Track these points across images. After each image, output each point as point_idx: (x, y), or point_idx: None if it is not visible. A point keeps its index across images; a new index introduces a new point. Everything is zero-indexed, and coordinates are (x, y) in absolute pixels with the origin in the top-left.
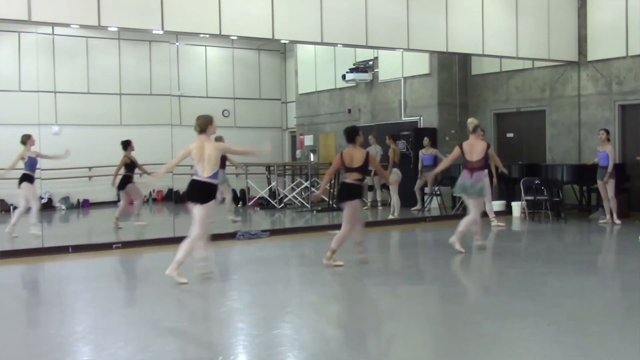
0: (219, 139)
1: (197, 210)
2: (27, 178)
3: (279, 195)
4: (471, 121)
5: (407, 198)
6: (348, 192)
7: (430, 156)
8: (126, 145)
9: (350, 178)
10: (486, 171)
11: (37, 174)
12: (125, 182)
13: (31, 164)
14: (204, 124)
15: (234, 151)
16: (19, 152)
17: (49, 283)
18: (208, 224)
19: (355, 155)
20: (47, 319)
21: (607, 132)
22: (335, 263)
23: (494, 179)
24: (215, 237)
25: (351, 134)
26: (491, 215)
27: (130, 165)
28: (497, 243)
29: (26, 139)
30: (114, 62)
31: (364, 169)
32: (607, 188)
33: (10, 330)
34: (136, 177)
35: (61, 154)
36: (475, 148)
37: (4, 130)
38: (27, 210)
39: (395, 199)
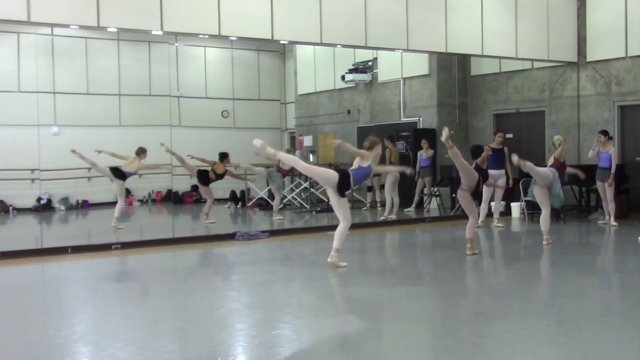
0: (289, 150)
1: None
2: (122, 176)
3: None
4: (557, 139)
5: (407, 198)
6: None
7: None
8: (223, 157)
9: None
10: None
11: (36, 174)
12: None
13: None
14: (373, 144)
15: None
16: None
17: (48, 284)
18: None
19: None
20: (46, 320)
21: (603, 133)
22: (474, 251)
23: (509, 181)
24: (215, 238)
25: (475, 153)
26: (496, 215)
27: (222, 175)
28: (496, 244)
29: (141, 152)
30: (113, 63)
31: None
32: (607, 190)
33: (9, 331)
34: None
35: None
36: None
37: (3, 130)
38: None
39: (395, 201)
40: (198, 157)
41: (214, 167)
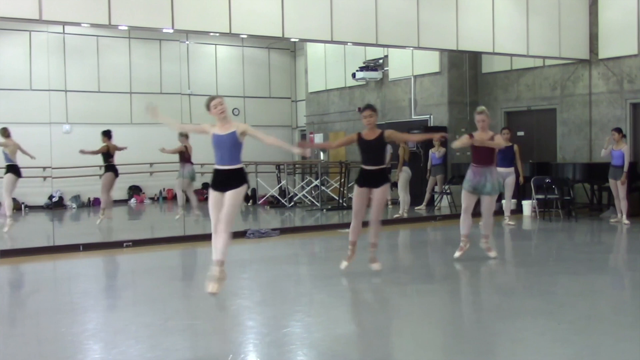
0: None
1: None
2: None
3: (289, 193)
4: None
5: (417, 196)
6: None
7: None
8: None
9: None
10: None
11: (48, 172)
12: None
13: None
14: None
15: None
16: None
17: (60, 281)
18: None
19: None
20: (57, 317)
21: (617, 131)
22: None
23: (520, 179)
24: None
25: None
26: (507, 213)
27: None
28: (508, 242)
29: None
30: (125, 61)
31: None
32: (620, 188)
33: (21, 328)
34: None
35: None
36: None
37: (15, 129)
38: None
39: (407, 199)
40: (88, 151)
41: (110, 150)
